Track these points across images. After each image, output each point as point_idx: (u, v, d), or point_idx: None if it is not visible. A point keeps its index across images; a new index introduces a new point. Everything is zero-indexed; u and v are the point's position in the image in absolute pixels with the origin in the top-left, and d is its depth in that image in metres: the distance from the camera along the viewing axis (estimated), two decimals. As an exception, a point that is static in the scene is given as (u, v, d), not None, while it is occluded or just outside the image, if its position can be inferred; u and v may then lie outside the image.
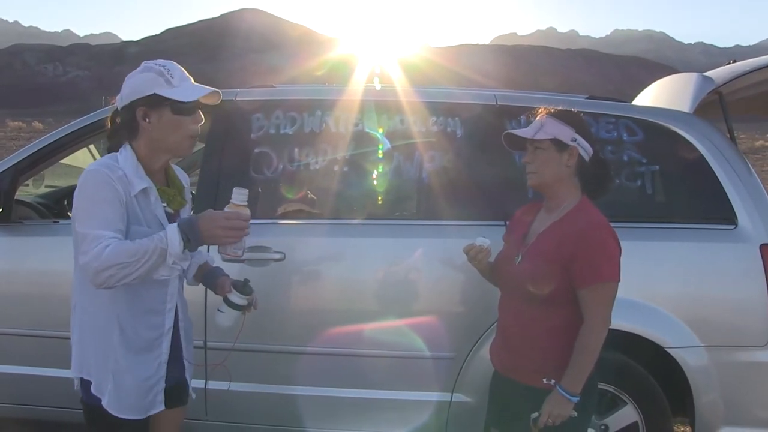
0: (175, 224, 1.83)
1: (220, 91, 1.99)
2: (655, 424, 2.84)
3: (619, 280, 2.07)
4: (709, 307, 2.87)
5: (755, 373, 2.83)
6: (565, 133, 2.12)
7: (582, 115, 2.24)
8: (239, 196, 1.88)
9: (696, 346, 2.81)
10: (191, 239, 1.81)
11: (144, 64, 1.98)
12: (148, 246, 1.78)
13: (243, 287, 2.10)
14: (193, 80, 2.01)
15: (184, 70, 1.99)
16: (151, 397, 2.02)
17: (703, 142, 3.00)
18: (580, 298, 2.07)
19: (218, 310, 2.11)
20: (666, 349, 2.81)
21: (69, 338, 2.06)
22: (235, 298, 2.09)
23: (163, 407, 2.05)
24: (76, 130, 3.26)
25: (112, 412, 1.96)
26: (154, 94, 1.90)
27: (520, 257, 2.20)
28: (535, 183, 2.19)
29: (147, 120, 1.93)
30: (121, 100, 1.97)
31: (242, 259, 1.83)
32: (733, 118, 3.26)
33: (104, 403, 1.96)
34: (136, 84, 1.94)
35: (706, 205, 2.98)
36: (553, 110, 2.20)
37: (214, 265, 2.31)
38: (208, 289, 2.84)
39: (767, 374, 2.84)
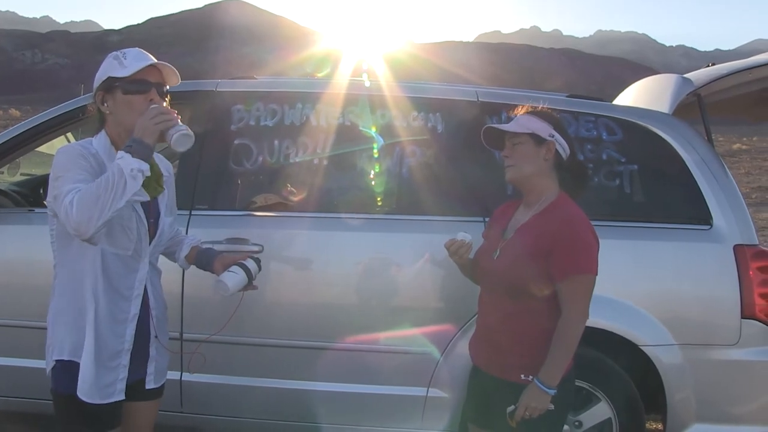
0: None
1: (166, 64, 2.03)
2: (628, 420, 2.87)
3: (596, 273, 2.09)
4: (684, 306, 2.91)
5: (727, 371, 2.88)
6: (543, 129, 2.16)
7: (559, 116, 2.29)
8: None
9: (670, 344, 2.84)
10: (134, 146, 1.86)
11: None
12: (107, 176, 1.82)
13: (257, 261, 2.22)
14: (154, 60, 2.02)
15: (146, 54, 2.03)
16: (110, 382, 2.00)
17: (681, 143, 3.04)
18: (558, 290, 2.09)
19: (229, 271, 2.16)
20: (641, 347, 2.85)
21: (44, 328, 2.05)
22: (252, 265, 2.18)
23: (122, 397, 2.03)
24: (53, 118, 3.21)
25: (80, 396, 1.95)
26: (108, 77, 1.98)
27: (498, 252, 2.22)
28: (513, 176, 2.21)
29: (105, 104, 2.01)
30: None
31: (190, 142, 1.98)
32: (711, 120, 3.31)
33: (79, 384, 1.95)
34: (98, 73, 2.02)
35: (683, 205, 3.02)
36: (532, 108, 2.25)
37: (205, 246, 2.35)
38: (185, 282, 2.87)
39: (738, 372, 2.88)
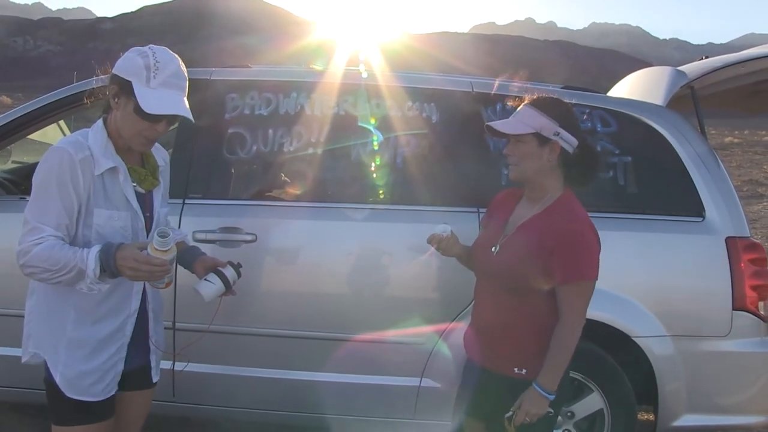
0: (97, 249, 1.83)
1: (187, 115, 1.92)
2: (619, 411, 2.89)
3: (596, 278, 2.07)
4: (676, 298, 2.92)
5: (717, 363, 2.90)
6: (548, 127, 2.06)
7: (569, 104, 2.21)
8: (159, 240, 1.84)
9: (662, 336, 2.86)
10: (106, 269, 1.83)
11: (148, 48, 1.93)
12: (69, 261, 1.81)
13: (237, 267, 2.16)
14: (185, 84, 1.94)
15: (179, 71, 1.92)
16: (110, 379, 2.00)
17: (674, 135, 3.05)
18: (558, 294, 2.05)
19: (206, 279, 2.12)
20: (633, 339, 2.86)
21: None
22: (230, 272, 2.13)
23: (115, 389, 2.03)
24: (45, 105, 3.18)
25: (68, 394, 1.94)
26: (130, 82, 1.88)
27: (498, 247, 2.17)
28: (516, 176, 2.15)
29: (116, 100, 1.93)
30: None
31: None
32: (704, 113, 3.32)
33: (58, 383, 1.95)
34: (125, 63, 1.92)
35: (675, 197, 3.03)
36: (537, 99, 2.13)
37: (191, 244, 2.31)
38: (178, 271, 2.86)
39: (729, 363, 2.91)
